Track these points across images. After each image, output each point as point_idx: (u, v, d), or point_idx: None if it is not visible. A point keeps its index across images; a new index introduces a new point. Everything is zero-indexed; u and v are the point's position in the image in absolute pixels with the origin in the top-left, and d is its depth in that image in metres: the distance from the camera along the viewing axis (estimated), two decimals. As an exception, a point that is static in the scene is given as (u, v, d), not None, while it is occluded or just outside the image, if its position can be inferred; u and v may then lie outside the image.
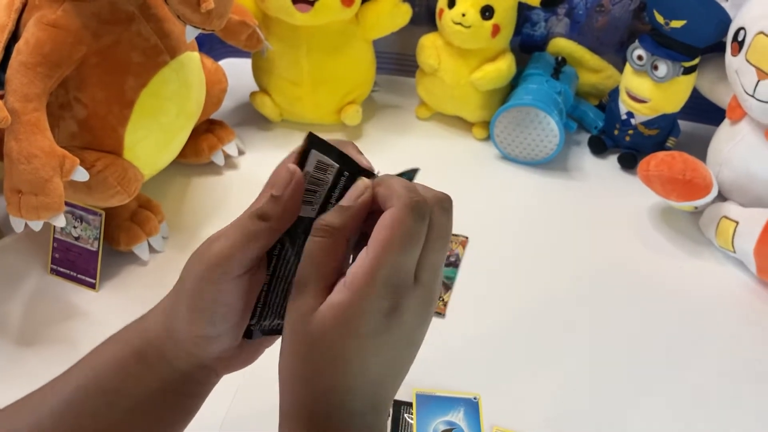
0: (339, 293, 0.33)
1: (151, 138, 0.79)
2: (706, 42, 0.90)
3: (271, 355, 0.41)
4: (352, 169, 0.37)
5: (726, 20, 0.85)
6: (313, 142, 0.36)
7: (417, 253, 0.34)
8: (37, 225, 0.66)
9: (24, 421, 0.40)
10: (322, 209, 0.37)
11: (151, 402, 0.41)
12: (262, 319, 0.41)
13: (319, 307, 0.33)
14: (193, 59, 0.82)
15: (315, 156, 0.36)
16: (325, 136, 0.37)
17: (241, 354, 0.42)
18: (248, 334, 0.41)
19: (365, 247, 0.33)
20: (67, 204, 0.77)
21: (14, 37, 0.70)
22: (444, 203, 0.36)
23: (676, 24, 0.88)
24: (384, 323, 0.33)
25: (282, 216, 0.36)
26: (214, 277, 0.36)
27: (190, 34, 0.72)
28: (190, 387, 0.42)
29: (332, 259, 0.34)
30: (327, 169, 0.36)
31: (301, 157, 0.36)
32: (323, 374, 0.34)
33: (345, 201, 0.35)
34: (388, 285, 0.32)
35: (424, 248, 0.34)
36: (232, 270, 0.36)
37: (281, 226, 0.36)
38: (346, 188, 0.36)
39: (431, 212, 0.34)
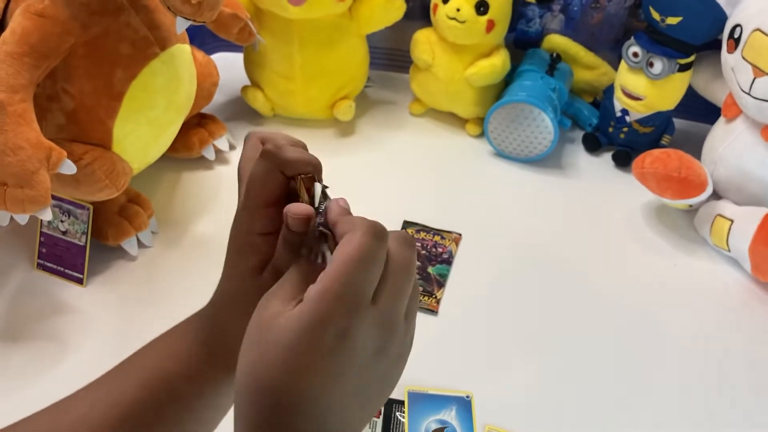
0: (300, 305, 0.32)
1: (141, 131, 0.77)
2: (702, 39, 0.89)
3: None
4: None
5: (722, 17, 0.84)
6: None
7: (375, 276, 0.33)
8: (23, 218, 0.64)
9: None
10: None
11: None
12: None
13: (282, 314, 0.32)
14: (183, 52, 0.81)
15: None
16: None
17: None
18: None
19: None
20: (54, 198, 0.76)
21: (1, 27, 0.68)
22: (405, 238, 0.35)
23: (672, 21, 0.87)
24: (337, 344, 0.32)
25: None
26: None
27: (181, 25, 0.71)
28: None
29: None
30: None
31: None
32: (272, 384, 0.33)
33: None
34: (341, 301, 0.32)
35: (384, 276, 0.33)
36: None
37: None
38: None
39: (389, 240, 0.34)
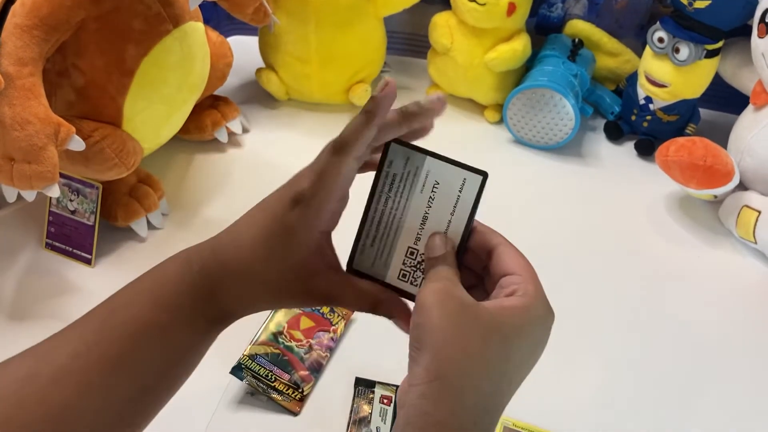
0: (517, 299, 0.39)
1: (152, 109, 0.76)
2: (731, 24, 0.86)
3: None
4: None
5: (753, 1, 0.82)
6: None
7: None
8: (30, 195, 0.63)
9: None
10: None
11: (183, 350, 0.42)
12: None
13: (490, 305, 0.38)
14: (197, 30, 0.79)
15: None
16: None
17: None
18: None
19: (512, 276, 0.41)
20: (63, 176, 0.75)
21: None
22: None
23: (701, 4, 0.84)
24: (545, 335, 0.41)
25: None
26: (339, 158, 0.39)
27: (194, 1, 0.69)
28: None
29: None
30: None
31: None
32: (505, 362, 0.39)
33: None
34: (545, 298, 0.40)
35: None
36: (358, 150, 0.40)
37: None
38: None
39: None
